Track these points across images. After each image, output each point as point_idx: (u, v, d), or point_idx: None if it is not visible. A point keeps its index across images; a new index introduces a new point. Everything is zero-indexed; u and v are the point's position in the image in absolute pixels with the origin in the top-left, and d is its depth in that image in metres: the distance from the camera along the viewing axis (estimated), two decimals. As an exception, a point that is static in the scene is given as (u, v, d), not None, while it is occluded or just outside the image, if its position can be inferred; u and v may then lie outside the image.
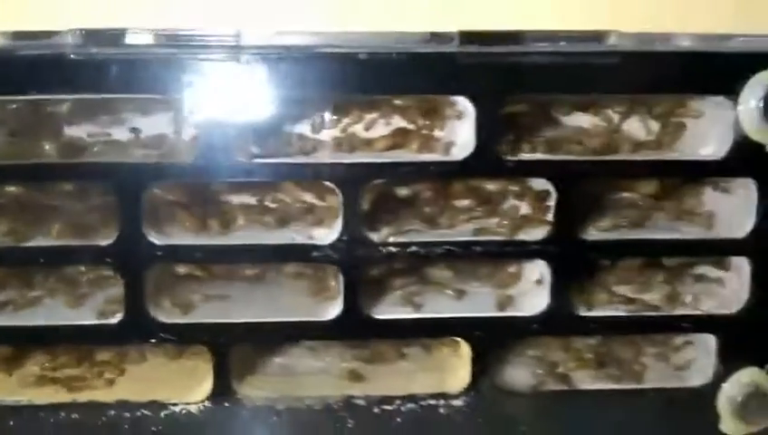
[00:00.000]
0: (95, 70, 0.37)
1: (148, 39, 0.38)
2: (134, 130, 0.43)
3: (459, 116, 0.41)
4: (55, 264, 0.41)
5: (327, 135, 0.44)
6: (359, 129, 0.44)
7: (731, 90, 0.39)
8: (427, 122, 0.44)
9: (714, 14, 0.39)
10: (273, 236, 0.41)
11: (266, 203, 0.43)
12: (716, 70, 0.39)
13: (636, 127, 0.45)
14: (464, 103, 0.39)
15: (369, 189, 0.40)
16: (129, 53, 0.37)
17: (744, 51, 0.39)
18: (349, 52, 0.37)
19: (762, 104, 0.38)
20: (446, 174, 0.40)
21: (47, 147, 0.40)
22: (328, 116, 0.44)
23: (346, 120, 0.44)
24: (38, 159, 0.39)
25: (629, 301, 0.43)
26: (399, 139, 0.43)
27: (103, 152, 0.41)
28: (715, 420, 0.42)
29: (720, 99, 0.40)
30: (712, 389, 0.42)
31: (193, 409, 0.40)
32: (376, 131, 0.44)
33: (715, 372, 0.42)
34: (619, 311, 0.42)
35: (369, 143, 0.43)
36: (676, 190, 0.45)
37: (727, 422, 0.42)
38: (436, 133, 0.43)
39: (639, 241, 0.42)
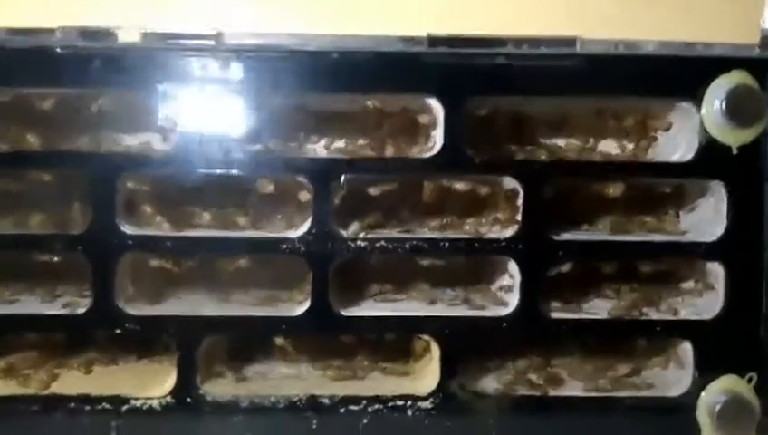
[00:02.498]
0: (81, 64, 0.38)
1: (135, 37, 0.40)
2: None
3: (434, 125, 0.42)
4: (28, 251, 0.41)
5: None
6: (340, 144, 0.45)
7: (695, 94, 0.40)
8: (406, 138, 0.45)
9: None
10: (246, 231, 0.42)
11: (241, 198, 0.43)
12: (681, 74, 0.40)
13: (611, 146, 0.46)
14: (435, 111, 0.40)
15: (340, 187, 0.41)
16: (115, 48, 0.39)
17: (705, 55, 0.40)
18: (320, 50, 0.39)
19: (724, 105, 0.39)
20: (413, 170, 0.40)
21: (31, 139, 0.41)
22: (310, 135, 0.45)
23: (327, 139, 0.45)
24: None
25: (604, 304, 0.42)
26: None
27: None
28: (695, 433, 0.41)
29: (685, 104, 0.41)
30: (690, 399, 0.41)
31: (155, 404, 0.39)
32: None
33: (693, 382, 0.41)
34: (592, 315, 0.42)
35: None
36: (651, 206, 0.45)
37: (707, 432, 0.41)
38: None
39: (610, 242, 0.42)
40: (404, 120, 0.44)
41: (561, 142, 0.46)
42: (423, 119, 0.43)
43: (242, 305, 0.41)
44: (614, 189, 0.43)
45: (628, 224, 0.44)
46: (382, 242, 0.40)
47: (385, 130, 0.44)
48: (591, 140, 0.45)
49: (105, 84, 0.39)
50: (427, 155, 0.40)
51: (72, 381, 0.41)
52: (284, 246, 0.40)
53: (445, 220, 0.42)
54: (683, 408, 0.41)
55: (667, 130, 0.44)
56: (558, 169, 0.41)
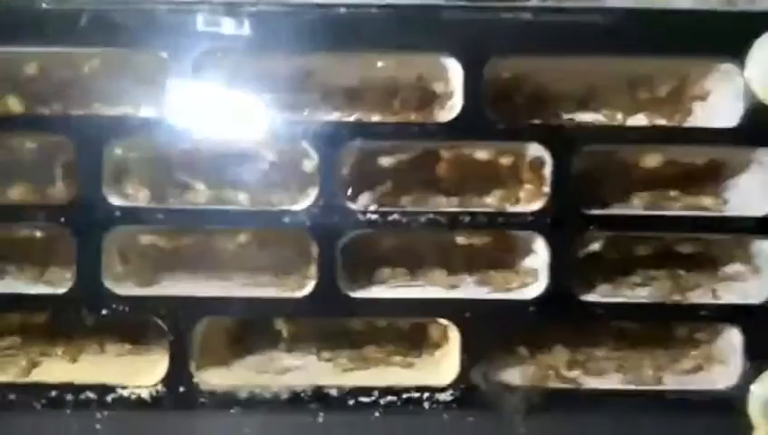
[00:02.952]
0: (67, 22, 0.35)
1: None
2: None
3: (450, 94, 0.38)
4: (8, 222, 0.37)
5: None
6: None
7: (737, 52, 0.36)
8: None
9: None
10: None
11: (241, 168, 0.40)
12: (722, 30, 0.37)
13: (641, 122, 0.42)
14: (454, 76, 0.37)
15: (349, 155, 0.37)
16: (104, 4, 0.36)
17: (749, 10, 0.37)
18: (328, 4, 0.36)
19: (773, 63, 0.35)
20: (430, 136, 0.36)
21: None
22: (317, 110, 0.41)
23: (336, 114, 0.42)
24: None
25: (641, 287, 0.38)
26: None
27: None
28: (746, 429, 0.36)
29: (726, 65, 0.37)
30: (740, 392, 0.37)
31: (144, 393, 0.36)
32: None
33: (743, 373, 0.37)
34: (627, 298, 0.38)
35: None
36: (690, 181, 0.41)
37: (761, 429, 0.36)
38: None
39: (647, 217, 0.38)
40: (419, 90, 0.40)
41: (587, 118, 0.42)
42: (439, 87, 0.40)
43: (241, 286, 0.38)
44: (651, 160, 0.39)
45: (665, 201, 0.40)
46: (395, 216, 0.36)
47: (399, 101, 0.40)
48: (620, 116, 0.42)
49: (93, 44, 0.36)
50: (445, 119, 0.36)
51: (55, 369, 0.37)
52: (288, 220, 0.36)
53: (464, 194, 0.38)
54: (731, 402, 0.37)
55: (704, 99, 0.40)
56: (589, 136, 0.37)
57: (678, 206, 0.40)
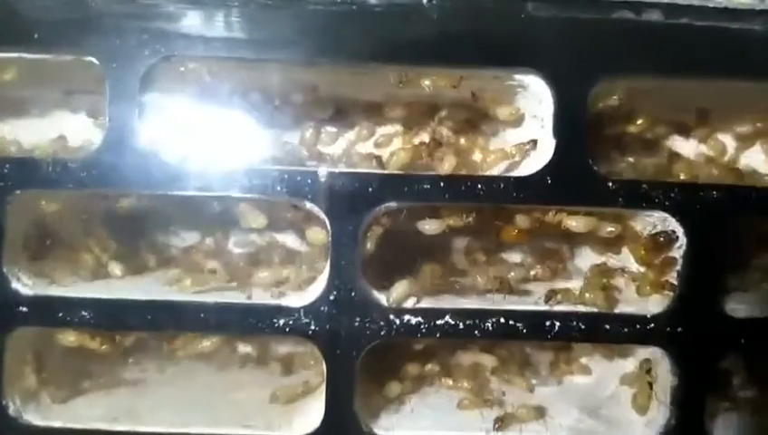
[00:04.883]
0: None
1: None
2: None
3: (517, 121, 0.26)
4: None
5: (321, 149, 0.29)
6: (368, 145, 0.29)
7: None
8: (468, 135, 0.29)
9: None
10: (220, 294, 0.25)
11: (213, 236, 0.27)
12: None
13: (760, 160, 0.30)
14: (527, 100, 0.25)
15: (374, 221, 0.25)
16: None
17: None
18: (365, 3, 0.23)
19: None
20: (503, 198, 0.24)
21: None
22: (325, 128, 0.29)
23: (349, 136, 0.29)
24: None
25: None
26: (425, 152, 0.28)
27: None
28: None
29: None
30: None
31: None
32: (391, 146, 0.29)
33: None
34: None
35: (378, 160, 0.28)
36: None
37: None
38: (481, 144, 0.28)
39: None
40: (468, 110, 0.28)
41: (686, 149, 0.30)
42: (502, 112, 0.27)
43: (209, 415, 0.25)
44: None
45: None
46: (448, 319, 0.24)
47: (437, 120, 0.28)
48: (733, 148, 0.29)
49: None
50: (525, 172, 0.24)
51: None
52: (281, 322, 0.23)
53: (548, 283, 0.26)
54: None
55: None
56: (748, 203, 0.24)
57: None
